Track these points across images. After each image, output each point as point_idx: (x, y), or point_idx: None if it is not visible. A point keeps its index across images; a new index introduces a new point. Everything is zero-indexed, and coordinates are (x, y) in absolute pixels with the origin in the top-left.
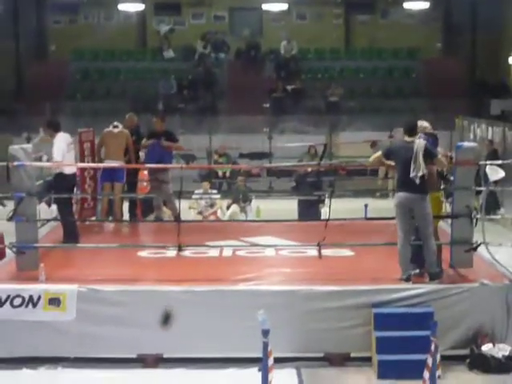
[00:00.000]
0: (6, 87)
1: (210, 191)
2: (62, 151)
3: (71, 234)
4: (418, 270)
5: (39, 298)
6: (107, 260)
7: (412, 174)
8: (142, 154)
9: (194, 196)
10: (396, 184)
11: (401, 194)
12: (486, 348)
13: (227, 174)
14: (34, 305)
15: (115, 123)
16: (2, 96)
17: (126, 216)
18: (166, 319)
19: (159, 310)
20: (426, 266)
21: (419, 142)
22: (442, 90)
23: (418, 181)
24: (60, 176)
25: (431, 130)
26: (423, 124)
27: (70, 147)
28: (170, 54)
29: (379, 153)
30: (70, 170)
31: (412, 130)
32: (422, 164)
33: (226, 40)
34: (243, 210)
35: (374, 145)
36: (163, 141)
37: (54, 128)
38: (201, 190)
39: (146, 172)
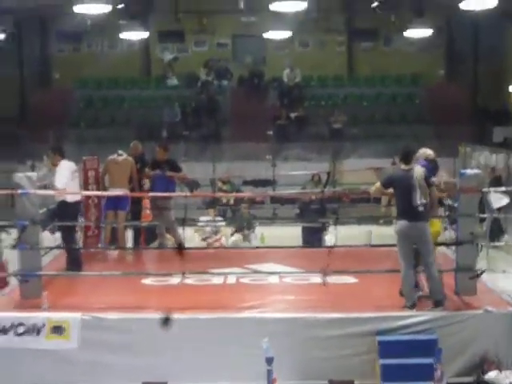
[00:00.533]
0: (10, 114)
1: (215, 218)
2: (64, 179)
3: (74, 262)
4: (420, 293)
5: (43, 326)
6: (111, 288)
7: (418, 202)
8: (146, 181)
9: (200, 223)
10: (397, 212)
11: (402, 223)
12: (492, 375)
13: (231, 201)
14: (38, 333)
15: (120, 151)
16: (5, 123)
17: (130, 244)
18: (166, 321)
19: (163, 337)
20: (430, 293)
21: (418, 170)
22: (445, 117)
23: (421, 208)
24: (63, 204)
25: (433, 157)
26: (427, 151)
27: (74, 175)
28: (173, 81)
29: (378, 183)
30: (72, 197)
31: (408, 158)
32: (427, 191)
33: (229, 67)
34: (246, 238)
35: (378, 170)
36: (168, 172)
37: (61, 153)
38: (207, 217)
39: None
